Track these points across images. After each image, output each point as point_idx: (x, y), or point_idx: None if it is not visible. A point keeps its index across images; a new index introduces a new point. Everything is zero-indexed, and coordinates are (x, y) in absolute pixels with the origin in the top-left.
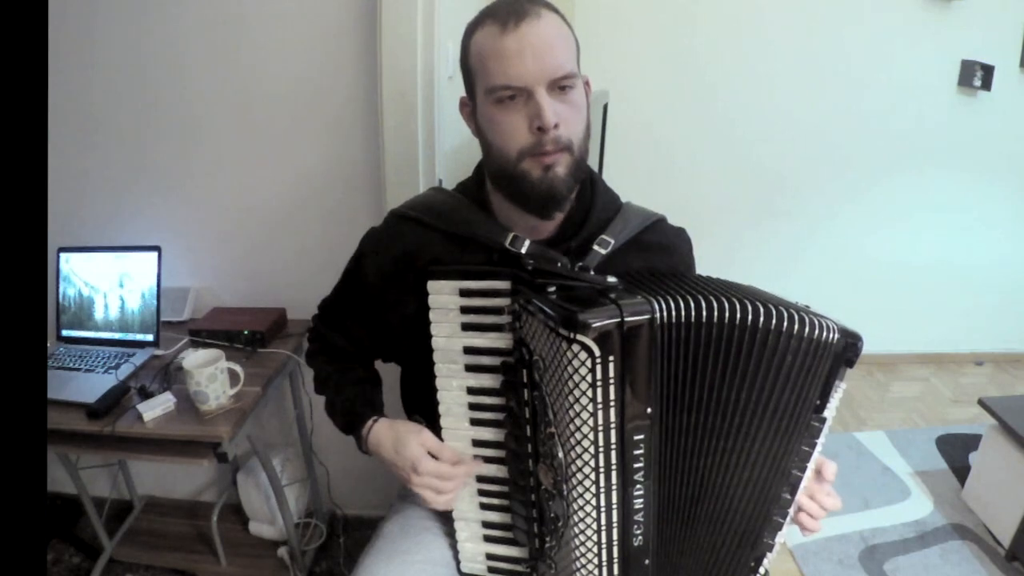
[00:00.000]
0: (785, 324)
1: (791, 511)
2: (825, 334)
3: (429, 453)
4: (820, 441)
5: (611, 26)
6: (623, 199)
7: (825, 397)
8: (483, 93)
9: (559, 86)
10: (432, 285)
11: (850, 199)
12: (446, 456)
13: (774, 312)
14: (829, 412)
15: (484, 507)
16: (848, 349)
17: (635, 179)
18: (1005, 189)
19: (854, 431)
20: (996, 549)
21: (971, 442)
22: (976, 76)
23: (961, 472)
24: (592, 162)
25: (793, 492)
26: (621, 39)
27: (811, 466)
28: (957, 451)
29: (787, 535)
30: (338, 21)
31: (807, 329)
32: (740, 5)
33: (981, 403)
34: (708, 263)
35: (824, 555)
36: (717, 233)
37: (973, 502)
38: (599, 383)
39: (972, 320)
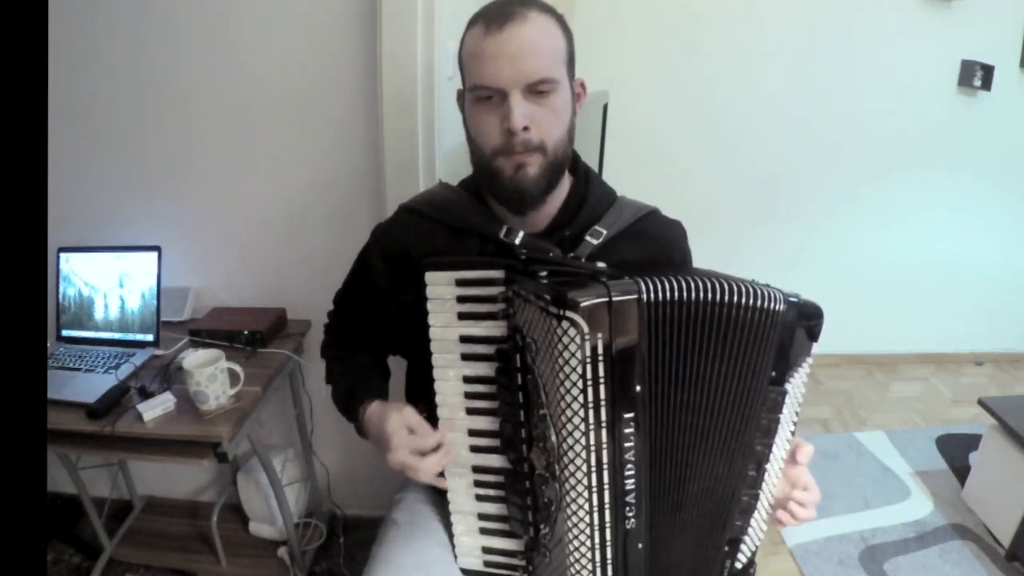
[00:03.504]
0: (760, 300)
1: (763, 495)
2: (773, 304)
3: (409, 429)
4: (784, 416)
5: (610, 26)
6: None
7: (781, 368)
8: (467, 90)
9: (536, 90)
10: (429, 276)
11: (850, 199)
12: (423, 431)
13: (757, 291)
14: (792, 387)
15: (480, 499)
16: (801, 318)
17: (634, 179)
18: (1005, 189)
19: (854, 431)
20: (996, 549)
21: (971, 442)
22: (976, 76)
23: (961, 472)
24: (591, 162)
25: (759, 469)
26: (621, 39)
27: (780, 443)
28: (957, 451)
29: (787, 534)
30: (338, 21)
31: (763, 301)
32: (739, 5)
33: (981, 403)
34: (707, 263)
35: (824, 555)
36: (716, 233)
37: (973, 502)
38: (588, 360)
39: (972, 320)
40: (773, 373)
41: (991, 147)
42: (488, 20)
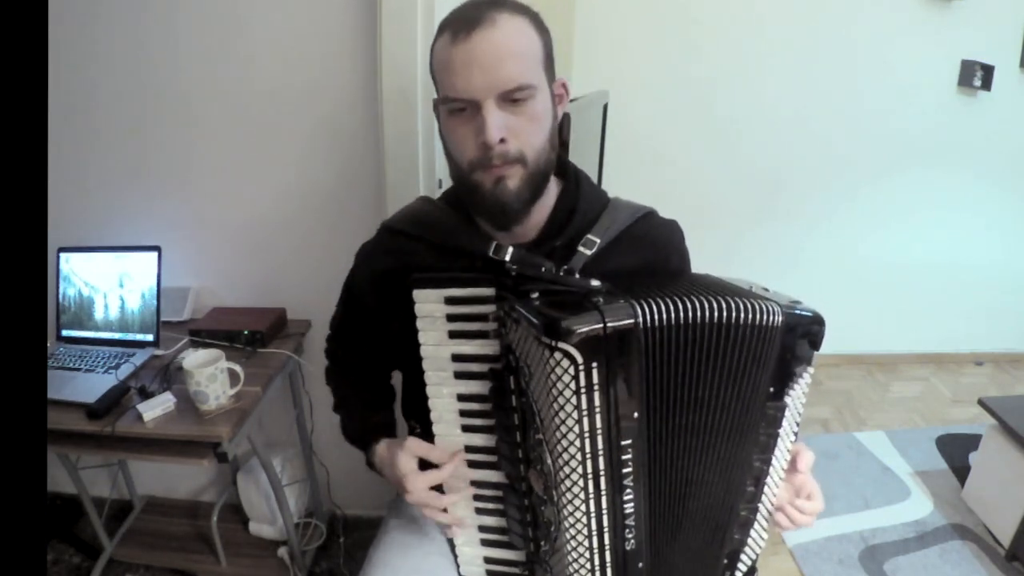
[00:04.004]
0: (759, 316)
1: (762, 507)
2: (771, 319)
3: (422, 460)
4: (784, 430)
5: (610, 26)
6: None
7: (781, 383)
8: (440, 102)
9: (512, 98)
10: (417, 294)
11: (850, 199)
12: (436, 456)
13: (754, 307)
14: (792, 399)
15: (480, 511)
16: (802, 328)
17: (634, 179)
18: (1005, 189)
19: (854, 431)
20: (996, 549)
21: (971, 442)
22: (976, 76)
23: (961, 472)
24: (591, 162)
25: (758, 484)
26: (621, 39)
27: (780, 455)
28: (957, 451)
29: (787, 534)
30: (338, 21)
31: (762, 316)
32: (739, 5)
33: (981, 403)
34: (707, 264)
35: (824, 555)
36: (716, 233)
37: (973, 502)
38: (583, 390)
39: (972, 320)
40: (772, 388)
41: (991, 147)
42: (455, 27)
